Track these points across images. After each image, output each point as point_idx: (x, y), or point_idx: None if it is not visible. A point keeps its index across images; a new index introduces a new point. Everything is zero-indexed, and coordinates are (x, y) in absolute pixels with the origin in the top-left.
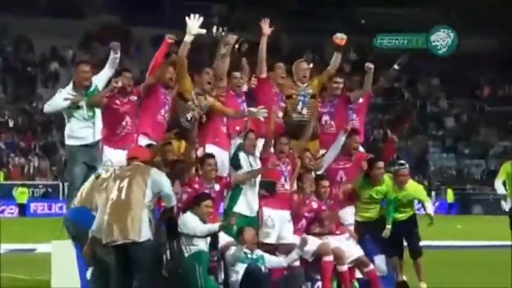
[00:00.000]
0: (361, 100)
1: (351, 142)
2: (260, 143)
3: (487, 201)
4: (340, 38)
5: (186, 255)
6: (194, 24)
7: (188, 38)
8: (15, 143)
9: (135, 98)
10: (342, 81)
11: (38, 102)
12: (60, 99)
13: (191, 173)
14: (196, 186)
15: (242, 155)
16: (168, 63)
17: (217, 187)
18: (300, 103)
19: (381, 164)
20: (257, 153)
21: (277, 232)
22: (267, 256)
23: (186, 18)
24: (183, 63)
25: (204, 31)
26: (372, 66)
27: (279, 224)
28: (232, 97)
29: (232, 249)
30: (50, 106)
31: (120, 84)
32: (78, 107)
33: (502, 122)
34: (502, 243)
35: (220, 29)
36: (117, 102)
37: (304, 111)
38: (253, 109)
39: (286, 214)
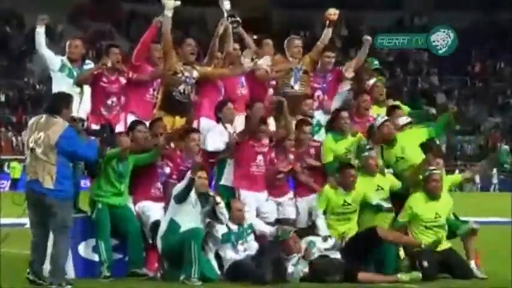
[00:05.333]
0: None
1: (361, 100)
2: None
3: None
4: (333, 13)
5: (182, 230)
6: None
7: (168, 13)
8: (7, 118)
9: (123, 78)
10: (334, 55)
11: (29, 77)
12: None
13: (172, 147)
14: (178, 160)
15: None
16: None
17: (198, 159)
18: (293, 78)
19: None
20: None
21: (253, 213)
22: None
23: None
24: (168, 38)
25: (178, 2)
26: (369, 38)
27: (255, 205)
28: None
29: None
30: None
31: (109, 64)
32: (70, 73)
33: (493, 98)
34: (493, 220)
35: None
36: (105, 79)
37: (297, 86)
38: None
39: (262, 195)
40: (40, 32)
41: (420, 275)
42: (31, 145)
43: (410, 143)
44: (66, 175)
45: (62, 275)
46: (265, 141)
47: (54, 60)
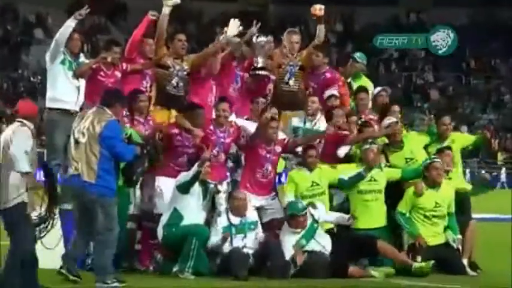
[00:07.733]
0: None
1: (359, 98)
2: None
3: (471, 174)
4: (319, 8)
5: (185, 222)
6: None
7: (166, 10)
8: (1, 111)
9: (119, 74)
10: (320, 54)
11: (24, 70)
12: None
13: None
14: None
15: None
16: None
17: (231, 130)
18: (288, 74)
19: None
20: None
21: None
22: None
23: None
24: (162, 34)
25: (179, 1)
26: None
27: (258, 204)
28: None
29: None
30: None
31: (109, 60)
32: (71, 66)
33: (487, 95)
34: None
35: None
36: (102, 74)
37: (291, 82)
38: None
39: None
40: (71, 25)
41: (393, 270)
42: (76, 135)
43: (417, 145)
44: (108, 169)
45: (104, 273)
46: (277, 148)
47: (59, 52)
